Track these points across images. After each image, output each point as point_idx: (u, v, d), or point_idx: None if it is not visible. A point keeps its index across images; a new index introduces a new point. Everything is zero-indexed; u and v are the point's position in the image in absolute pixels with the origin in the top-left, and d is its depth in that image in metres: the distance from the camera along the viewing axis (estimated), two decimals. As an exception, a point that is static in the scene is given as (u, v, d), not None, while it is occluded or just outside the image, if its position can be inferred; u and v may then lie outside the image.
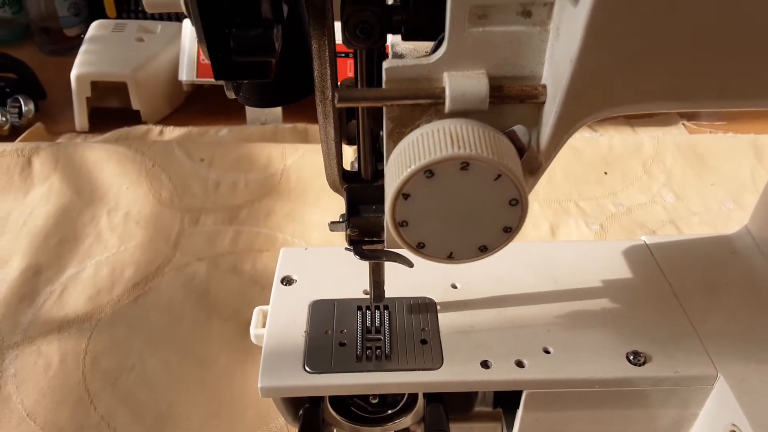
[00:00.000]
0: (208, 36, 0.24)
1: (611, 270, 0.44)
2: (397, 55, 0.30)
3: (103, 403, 0.49)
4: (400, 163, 0.24)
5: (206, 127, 0.82)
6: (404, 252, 0.36)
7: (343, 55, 0.28)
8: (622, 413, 0.39)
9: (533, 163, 0.26)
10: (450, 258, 0.27)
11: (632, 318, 0.41)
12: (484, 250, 0.26)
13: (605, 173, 0.75)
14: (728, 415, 0.36)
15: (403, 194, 0.24)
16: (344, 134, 0.33)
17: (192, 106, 0.88)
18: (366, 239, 0.34)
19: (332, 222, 0.33)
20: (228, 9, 0.24)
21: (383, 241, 0.33)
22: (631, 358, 0.38)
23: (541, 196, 0.72)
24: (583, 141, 0.79)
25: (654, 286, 0.43)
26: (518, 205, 0.25)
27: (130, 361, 0.53)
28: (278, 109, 0.84)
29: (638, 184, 0.74)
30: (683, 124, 0.87)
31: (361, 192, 0.33)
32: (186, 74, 0.82)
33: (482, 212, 0.25)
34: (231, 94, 0.28)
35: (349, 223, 0.33)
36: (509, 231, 0.25)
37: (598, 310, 0.41)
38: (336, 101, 0.25)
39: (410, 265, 0.36)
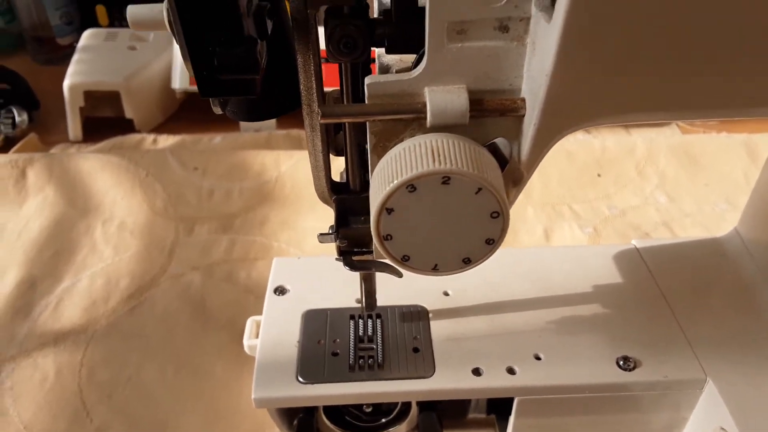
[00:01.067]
0: (192, 54, 0.25)
1: (602, 275, 0.45)
2: (384, 66, 0.30)
3: (99, 415, 0.50)
4: (383, 179, 0.25)
5: (200, 135, 0.82)
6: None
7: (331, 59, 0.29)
8: (614, 418, 0.40)
9: (515, 175, 0.26)
10: (435, 270, 0.27)
11: (622, 323, 0.41)
12: (467, 262, 0.27)
13: (598, 175, 0.75)
14: (717, 418, 0.36)
15: (386, 209, 0.25)
16: (332, 146, 0.33)
17: (185, 113, 0.88)
18: (355, 250, 0.34)
19: (321, 234, 0.33)
20: (211, 27, 0.24)
21: (372, 252, 0.34)
22: (621, 363, 0.38)
23: (535, 200, 0.72)
24: (577, 143, 0.79)
25: (644, 290, 0.43)
26: (499, 218, 0.25)
27: (125, 372, 0.53)
28: (272, 116, 0.84)
29: (631, 186, 0.74)
30: (677, 124, 0.88)
31: (349, 203, 0.33)
32: (179, 82, 0.82)
33: (464, 225, 0.25)
34: (218, 110, 0.28)
35: (338, 234, 0.33)
36: (492, 243, 0.26)
37: (588, 316, 0.41)
38: (319, 117, 0.25)
39: (399, 275, 0.36)
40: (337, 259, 0.36)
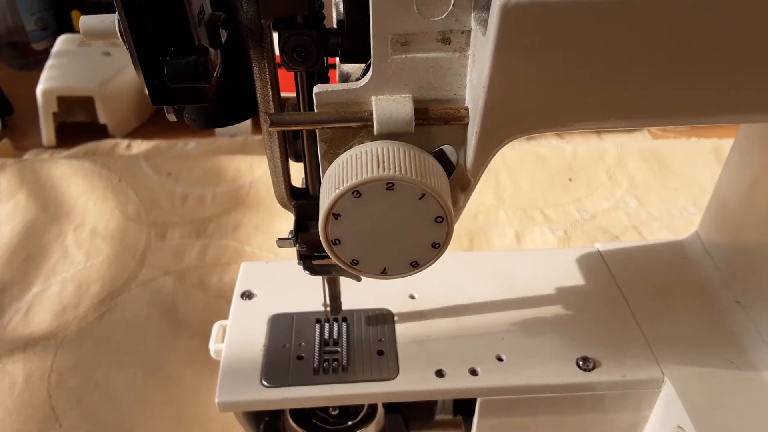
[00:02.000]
0: (142, 63, 0.25)
1: (565, 278, 0.45)
2: (344, 74, 0.31)
3: (68, 420, 0.49)
4: (330, 185, 0.25)
5: (174, 140, 0.82)
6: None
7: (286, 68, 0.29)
8: (577, 418, 0.40)
9: (463, 180, 0.27)
10: (384, 273, 0.27)
11: (583, 324, 0.42)
12: (415, 266, 0.27)
13: (570, 180, 0.76)
14: (675, 417, 0.37)
15: (333, 214, 0.25)
16: (292, 152, 0.34)
17: (160, 119, 0.88)
18: (315, 254, 0.34)
19: (280, 238, 0.34)
20: (161, 38, 0.24)
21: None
22: (581, 363, 0.39)
23: (507, 204, 0.73)
24: (549, 148, 0.80)
25: (605, 292, 0.44)
26: (443, 222, 0.25)
27: (95, 378, 0.53)
28: (247, 122, 0.84)
29: (602, 190, 0.75)
30: (648, 129, 0.89)
31: (308, 208, 0.34)
32: (154, 88, 0.82)
33: (410, 230, 0.26)
34: (172, 117, 0.28)
35: (297, 238, 0.34)
36: (437, 247, 0.26)
37: (550, 317, 0.42)
38: (268, 125, 0.26)
39: (358, 279, 0.37)
40: (298, 263, 0.36)
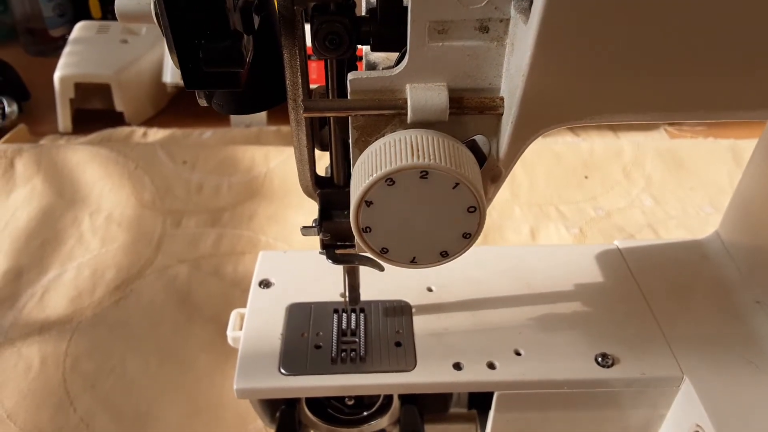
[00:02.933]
0: (178, 47, 0.25)
1: (583, 274, 0.45)
2: (370, 64, 0.31)
3: (82, 404, 0.50)
4: (363, 172, 0.25)
5: (190, 129, 0.82)
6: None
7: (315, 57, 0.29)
8: (593, 414, 0.40)
9: (494, 171, 0.27)
10: (413, 263, 0.27)
11: (602, 321, 0.41)
12: (445, 255, 0.27)
13: (586, 177, 0.76)
14: (693, 416, 0.37)
15: (365, 201, 0.25)
16: (318, 141, 0.34)
17: (176, 108, 0.88)
18: (338, 243, 0.34)
19: (304, 227, 0.34)
20: (198, 22, 0.24)
21: (355, 246, 0.34)
22: (600, 360, 0.38)
23: (522, 200, 0.72)
24: (565, 146, 0.80)
25: (624, 290, 0.44)
26: (476, 212, 0.25)
27: (110, 363, 0.53)
28: (263, 112, 0.84)
29: (618, 188, 0.75)
30: (665, 129, 0.89)
31: (333, 197, 0.34)
32: (170, 76, 0.82)
33: (442, 219, 0.26)
34: (203, 102, 0.28)
35: (322, 227, 0.33)
36: (468, 237, 0.26)
37: (568, 313, 0.42)
38: (302, 111, 0.26)
39: (381, 269, 0.37)
40: (320, 252, 0.36)
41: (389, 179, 0.24)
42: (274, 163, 0.74)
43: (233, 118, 0.84)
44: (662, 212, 0.71)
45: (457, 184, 0.24)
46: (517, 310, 0.43)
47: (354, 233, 0.26)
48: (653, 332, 0.41)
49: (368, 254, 0.27)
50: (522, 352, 0.39)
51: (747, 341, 0.40)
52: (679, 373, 0.38)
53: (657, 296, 0.43)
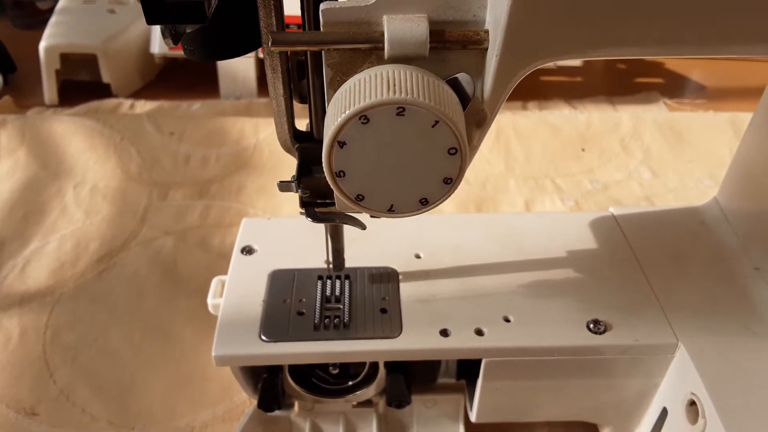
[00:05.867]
0: (137, -22, 0.23)
1: (577, 241, 0.44)
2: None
3: (63, 376, 0.48)
4: (336, 110, 0.23)
5: (178, 102, 0.80)
6: (360, 216, 0.35)
7: (295, 27, 0.28)
8: (585, 383, 0.39)
9: (479, 115, 0.25)
10: (391, 211, 0.26)
11: (595, 288, 0.40)
12: (425, 203, 0.25)
13: (582, 150, 0.74)
14: (688, 384, 0.35)
15: (338, 142, 0.23)
16: (296, 93, 0.32)
17: (165, 80, 0.86)
18: (318, 201, 0.33)
19: (281, 181, 0.32)
20: (156, -52, 0.22)
21: (335, 203, 0.32)
22: (592, 326, 0.37)
23: (517, 173, 0.71)
24: (562, 118, 0.78)
25: (619, 257, 0.43)
26: (457, 155, 0.24)
27: (92, 335, 0.52)
28: (253, 83, 0.82)
29: (615, 161, 0.73)
30: (664, 102, 0.87)
31: (313, 152, 0.32)
32: (158, 46, 0.80)
33: (421, 162, 0.24)
34: (169, 42, 0.27)
35: (300, 183, 0.32)
36: (449, 182, 0.25)
37: (560, 280, 0.41)
38: (270, 44, 0.24)
39: (363, 227, 0.35)
40: (300, 212, 0.35)
41: (363, 116, 0.22)
42: (264, 135, 0.73)
43: (223, 89, 0.83)
44: (660, 185, 0.69)
45: (436, 122, 0.23)
46: (508, 276, 0.41)
47: (327, 178, 0.25)
48: (648, 299, 0.39)
49: (342, 200, 0.25)
50: (511, 318, 0.38)
51: (745, 308, 0.39)
52: (673, 340, 0.37)
53: (652, 263, 0.42)
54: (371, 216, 0.27)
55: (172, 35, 0.26)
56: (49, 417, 0.46)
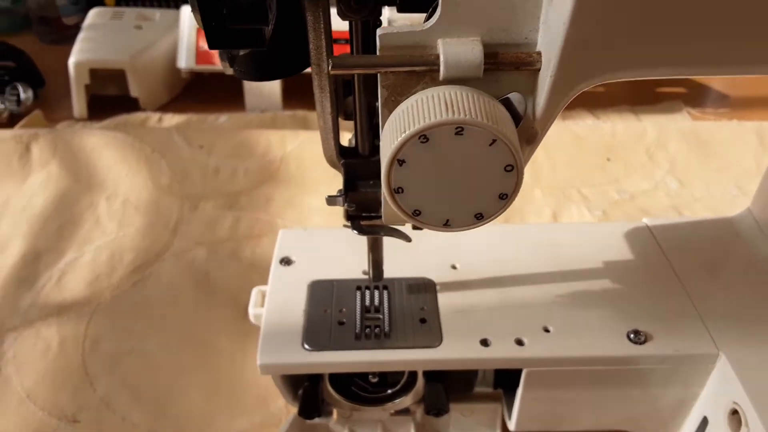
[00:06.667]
0: (201, 4, 0.24)
1: (612, 251, 0.44)
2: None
3: (102, 385, 0.49)
4: (395, 129, 0.24)
5: (205, 115, 0.81)
6: (403, 228, 0.36)
7: (342, 42, 0.28)
8: (623, 393, 0.39)
9: (530, 132, 0.26)
10: (447, 226, 0.26)
11: (633, 298, 0.40)
12: (480, 218, 0.26)
13: (608, 159, 0.74)
14: (730, 394, 0.35)
15: (398, 160, 0.24)
16: (342, 109, 0.33)
17: (191, 94, 0.88)
18: (363, 214, 0.34)
19: (330, 196, 0.33)
20: (220, -25, 0.23)
21: (381, 216, 0.33)
22: (632, 336, 0.37)
23: (543, 183, 0.71)
24: (586, 128, 0.79)
25: (655, 267, 0.43)
26: (513, 171, 0.24)
27: (129, 344, 0.52)
28: (278, 97, 0.83)
29: (641, 170, 0.73)
30: (687, 111, 0.87)
31: (358, 167, 0.33)
32: (185, 61, 0.82)
33: (477, 178, 0.24)
34: (226, 66, 0.28)
35: (347, 197, 0.33)
36: (505, 198, 0.25)
37: (598, 290, 0.41)
38: (330, 68, 0.25)
39: (408, 240, 0.36)
40: (345, 225, 0.35)
41: (423, 136, 0.23)
42: (290, 147, 0.74)
43: (248, 102, 0.84)
44: (687, 194, 0.69)
45: (494, 140, 0.23)
46: (545, 287, 0.42)
47: (385, 194, 0.25)
48: (687, 309, 0.40)
49: (399, 226, 0.26)
50: (551, 328, 0.38)
51: (784, 317, 0.39)
52: (714, 350, 0.37)
53: (689, 273, 0.42)
54: (419, 229, 0.28)
55: (229, 59, 0.27)
56: (90, 424, 0.47)
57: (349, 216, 0.34)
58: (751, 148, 0.76)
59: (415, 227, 0.36)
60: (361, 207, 0.33)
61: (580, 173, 0.72)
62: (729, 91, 0.93)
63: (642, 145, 0.76)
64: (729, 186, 0.71)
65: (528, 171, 0.76)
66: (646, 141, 0.76)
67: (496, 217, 0.26)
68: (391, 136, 0.24)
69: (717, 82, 0.95)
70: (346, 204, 0.33)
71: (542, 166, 0.73)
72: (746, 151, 0.75)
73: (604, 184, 0.71)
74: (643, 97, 0.89)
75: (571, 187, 0.71)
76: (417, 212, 0.26)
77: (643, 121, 0.82)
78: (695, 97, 0.91)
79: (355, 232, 0.34)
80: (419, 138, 0.23)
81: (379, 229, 0.34)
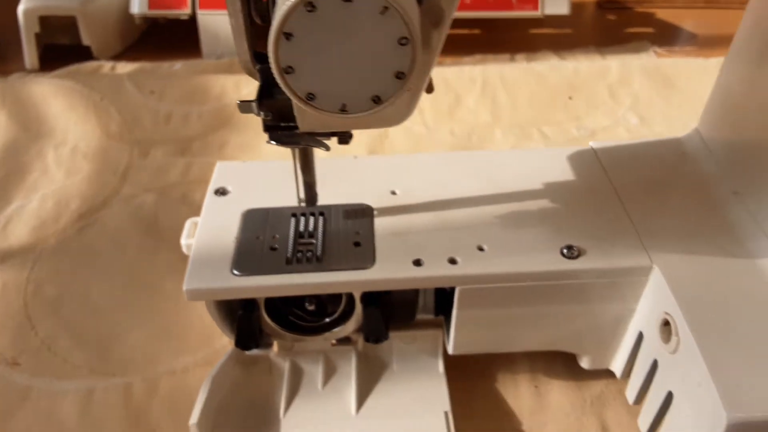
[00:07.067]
0: None
1: (554, 173, 0.43)
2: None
3: (44, 328, 0.48)
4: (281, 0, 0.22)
5: (159, 62, 0.79)
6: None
7: None
8: (560, 310, 0.39)
9: (435, 12, 0.24)
10: (343, 111, 0.25)
11: (570, 216, 0.40)
12: (377, 101, 0.25)
13: (570, 98, 0.73)
14: (662, 304, 0.35)
15: (284, 33, 0.22)
16: (257, 12, 0.31)
17: (146, 42, 0.86)
18: (282, 124, 0.32)
19: (241, 101, 0.31)
20: None
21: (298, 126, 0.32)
22: (565, 251, 0.37)
23: (504, 123, 0.70)
24: (549, 67, 0.77)
25: (596, 186, 0.42)
26: (408, 45, 0.23)
27: (73, 288, 0.51)
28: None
29: (603, 108, 0.72)
30: (654, 51, 0.85)
31: (273, 74, 0.31)
32: (138, 6, 0.79)
33: (371, 54, 0.23)
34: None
35: (262, 106, 0.31)
36: (402, 77, 0.24)
37: (536, 210, 0.40)
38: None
39: (327, 148, 0.34)
40: (267, 141, 0.34)
41: (309, 3, 0.21)
42: (246, 91, 0.72)
43: (205, 49, 0.81)
44: (648, 130, 0.68)
45: (385, 8, 0.22)
46: (484, 209, 0.41)
47: (275, 75, 0.24)
48: (624, 225, 0.39)
49: (293, 99, 0.24)
50: (485, 247, 0.38)
51: (722, 231, 0.38)
52: (648, 263, 0.36)
53: (630, 191, 0.41)
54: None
55: None
56: (30, 367, 0.46)
57: (266, 127, 0.33)
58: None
59: (341, 141, 0.35)
60: (278, 116, 0.32)
61: (542, 112, 0.71)
62: (698, 30, 0.91)
63: (605, 83, 0.74)
64: (691, 121, 0.69)
65: (488, 111, 0.74)
66: (609, 79, 0.75)
67: (395, 100, 0.25)
68: (278, 8, 0.23)
69: (687, 21, 0.93)
70: (261, 113, 0.32)
71: (503, 106, 0.72)
72: (710, 85, 0.74)
73: (564, 122, 0.70)
74: (610, 38, 0.88)
75: (531, 126, 0.69)
76: (311, 96, 0.24)
77: (608, 60, 0.80)
78: (663, 37, 0.89)
79: (273, 143, 0.33)
80: (305, 6, 0.22)
81: (299, 139, 0.33)
